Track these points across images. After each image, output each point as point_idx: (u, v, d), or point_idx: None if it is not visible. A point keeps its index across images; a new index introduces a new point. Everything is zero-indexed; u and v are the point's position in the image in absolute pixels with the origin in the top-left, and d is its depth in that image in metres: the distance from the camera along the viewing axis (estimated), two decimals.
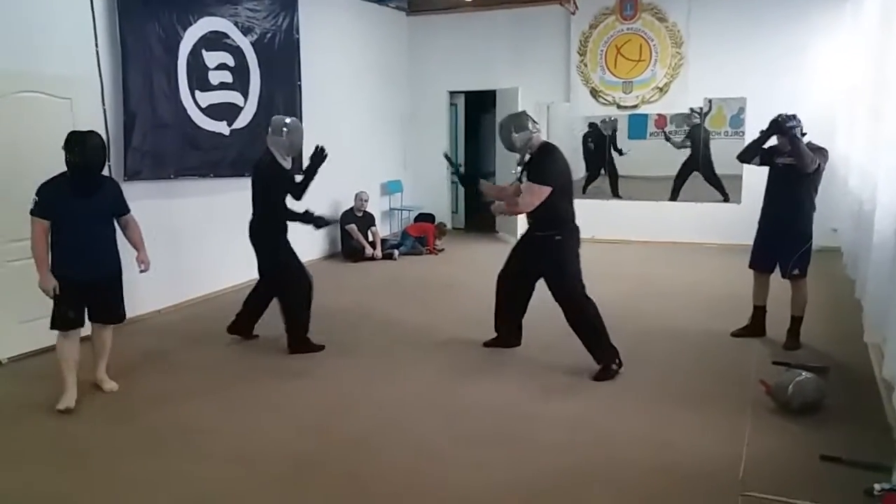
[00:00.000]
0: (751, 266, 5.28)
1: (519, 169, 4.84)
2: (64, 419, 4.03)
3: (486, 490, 3.22)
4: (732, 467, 3.35)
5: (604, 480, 3.29)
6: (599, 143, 10.48)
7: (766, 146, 5.04)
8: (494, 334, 5.21)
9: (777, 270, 5.10)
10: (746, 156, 5.22)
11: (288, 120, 5.02)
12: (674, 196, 10.01)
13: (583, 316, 4.70)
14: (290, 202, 5.04)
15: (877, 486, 2.98)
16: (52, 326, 4.14)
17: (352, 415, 4.08)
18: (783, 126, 4.79)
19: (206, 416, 4.06)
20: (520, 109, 9.52)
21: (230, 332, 5.41)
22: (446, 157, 5.84)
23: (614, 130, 10.25)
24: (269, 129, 4.98)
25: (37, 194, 4.03)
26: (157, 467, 3.47)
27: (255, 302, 5.34)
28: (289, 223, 5.05)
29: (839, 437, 3.66)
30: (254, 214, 5.08)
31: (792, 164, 4.83)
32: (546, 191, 4.51)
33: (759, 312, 5.33)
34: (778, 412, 3.97)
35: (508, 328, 5.18)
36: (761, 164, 5.15)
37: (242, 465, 3.48)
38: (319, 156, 5.04)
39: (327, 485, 3.28)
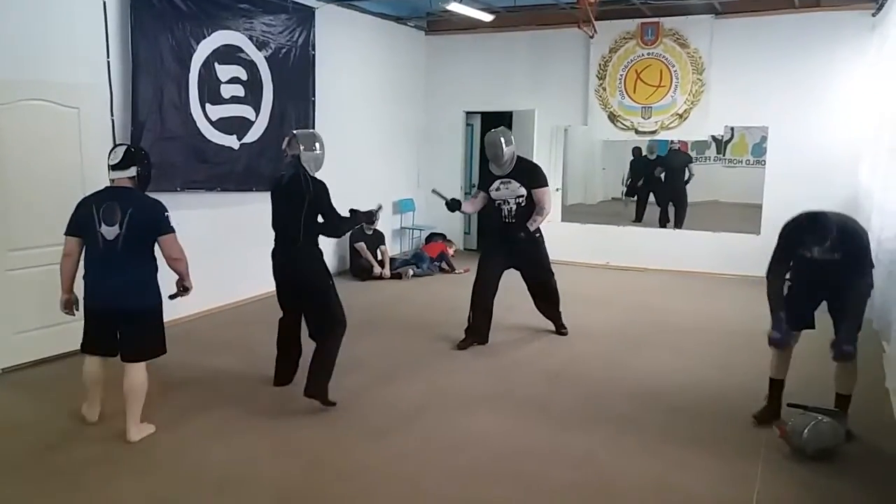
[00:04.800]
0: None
1: (498, 182, 5.58)
2: (48, 436, 3.93)
3: None
4: None
5: None
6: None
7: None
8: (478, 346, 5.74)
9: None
10: None
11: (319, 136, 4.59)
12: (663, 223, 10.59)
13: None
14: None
15: None
16: None
17: (343, 442, 3.95)
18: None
19: (197, 441, 3.94)
20: (535, 132, 9.50)
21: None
22: (435, 192, 5.95)
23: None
24: (302, 145, 4.35)
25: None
26: (138, 489, 3.35)
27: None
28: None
29: (853, 485, 3.47)
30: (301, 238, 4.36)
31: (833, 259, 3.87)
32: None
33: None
34: (792, 457, 3.79)
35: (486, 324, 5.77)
36: None
37: (229, 494, 3.35)
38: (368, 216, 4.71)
39: None
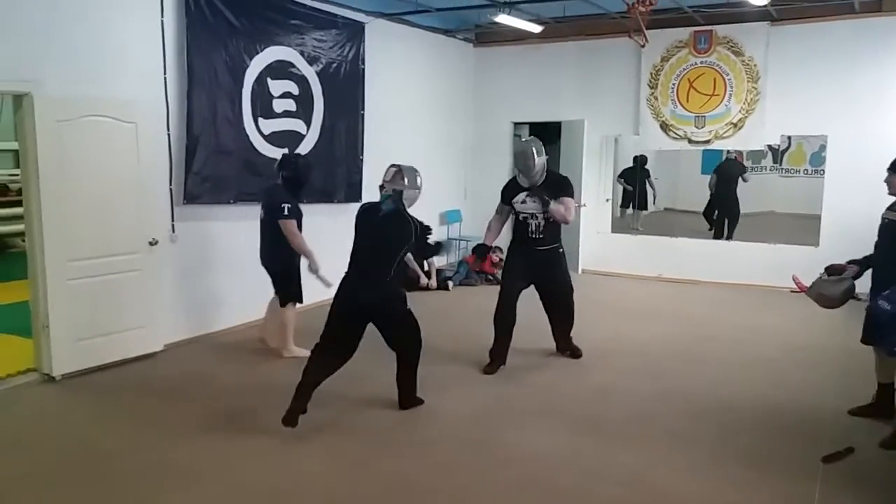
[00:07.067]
0: (863, 340, 4.29)
1: (524, 194, 5.32)
2: (103, 443, 4.04)
3: None
4: None
5: None
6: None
7: None
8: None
9: None
10: None
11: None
12: (718, 235, 10.61)
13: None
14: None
15: None
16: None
17: (391, 453, 3.95)
18: None
19: (245, 451, 3.99)
20: (584, 142, 9.40)
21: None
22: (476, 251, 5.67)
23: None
24: (406, 180, 4.40)
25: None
26: (191, 498, 3.42)
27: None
28: None
29: None
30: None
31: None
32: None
33: (885, 391, 4.38)
34: (850, 478, 3.65)
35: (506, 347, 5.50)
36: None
37: (278, 502, 3.38)
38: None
39: None
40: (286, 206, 5.24)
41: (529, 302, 5.61)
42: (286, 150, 6.78)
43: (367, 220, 4.42)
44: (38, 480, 3.60)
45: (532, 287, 5.55)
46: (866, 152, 7.98)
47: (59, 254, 4.95)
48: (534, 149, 5.26)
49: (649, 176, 12.37)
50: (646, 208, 12.52)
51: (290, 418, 4.06)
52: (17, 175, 7.67)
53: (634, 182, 12.16)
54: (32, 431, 4.23)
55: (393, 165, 4.47)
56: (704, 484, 3.62)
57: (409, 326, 4.51)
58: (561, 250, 5.50)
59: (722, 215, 10.86)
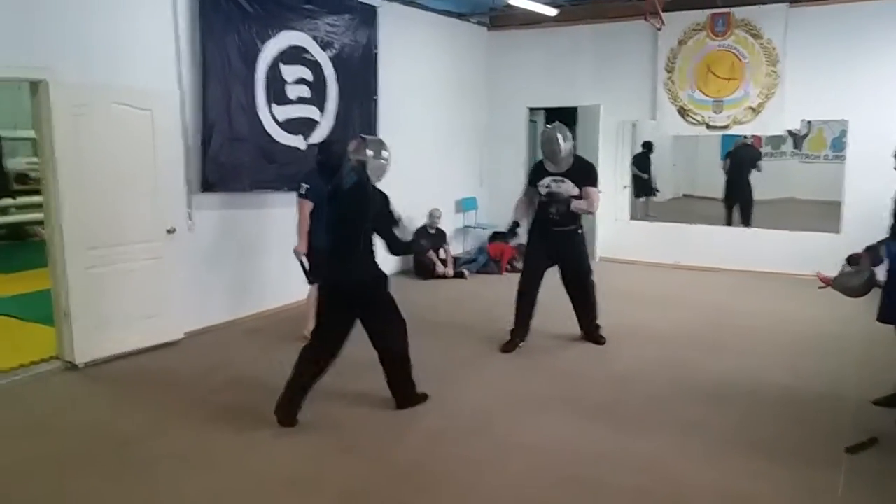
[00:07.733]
0: (880, 318, 4.32)
1: (550, 178, 5.42)
2: (124, 430, 4.07)
3: None
4: None
5: None
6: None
7: None
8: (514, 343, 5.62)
9: None
10: None
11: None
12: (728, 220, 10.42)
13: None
14: None
15: None
16: None
17: (404, 444, 3.96)
18: None
19: (263, 439, 4.01)
20: (600, 127, 9.30)
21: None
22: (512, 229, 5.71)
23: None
24: (371, 151, 4.21)
25: None
26: (207, 486, 3.44)
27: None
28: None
29: None
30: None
31: None
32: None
33: None
34: (875, 469, 3.60)
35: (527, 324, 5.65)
36: None
37: (294, 492, 3.40)
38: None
39: None
40: (304, 186, 5.37)
41: (553, 286, 5.66)
42: (301, 136, 6.82)
43: (333, 197, 4.28)
44: (60, 465, 3.64)
45: (556, 272, 5.67)
46: (888, 137, 7.81)
47: (79, 242, 4.98)
48: (559, 135, 5.35)
49: (650, 164, 12.14)
50: (654, 195, 12.34)
51: (289, 420, 4.09)
52: (36, 163, 7.72)
53: (646, 169, 11.94)
54: (55, 418, 4.28)
55: (358, 137, 4.40)
56: (721, 472, 3.59)
57: (393, 313, 4.34)
58: (580, 231, 5.60)
59: (733, 200, 10.66)
